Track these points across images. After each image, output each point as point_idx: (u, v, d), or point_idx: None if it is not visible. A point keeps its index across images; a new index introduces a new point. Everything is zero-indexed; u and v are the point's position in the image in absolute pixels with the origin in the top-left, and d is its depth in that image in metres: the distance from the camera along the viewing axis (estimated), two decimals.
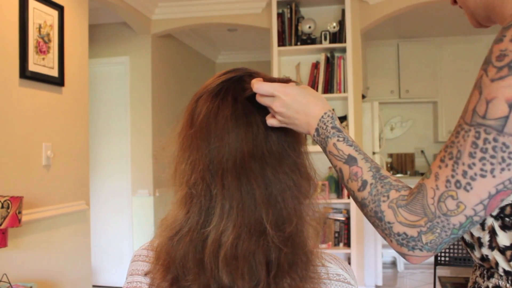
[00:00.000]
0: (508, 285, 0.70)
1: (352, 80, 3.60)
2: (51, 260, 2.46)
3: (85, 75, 2.82)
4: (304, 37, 3.72)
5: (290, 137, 0.74)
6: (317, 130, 0.72)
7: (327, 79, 3.68)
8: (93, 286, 3.76)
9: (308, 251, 0.69)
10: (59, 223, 2.53)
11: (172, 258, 0.68)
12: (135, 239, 4.19)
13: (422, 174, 5.48)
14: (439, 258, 2.96)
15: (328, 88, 3.68)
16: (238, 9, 4.01)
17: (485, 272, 0.76)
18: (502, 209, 0.67)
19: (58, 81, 2.52)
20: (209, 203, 0.68)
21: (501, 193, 0.58)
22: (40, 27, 2.39)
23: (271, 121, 0.71)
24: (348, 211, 3.70)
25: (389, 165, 5.65)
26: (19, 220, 1.87)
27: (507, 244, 0.68)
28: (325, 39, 3.69)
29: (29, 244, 2.29)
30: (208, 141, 0.69)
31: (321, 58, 3.70)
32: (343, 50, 3.66)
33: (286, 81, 0.76)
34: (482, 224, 0.70)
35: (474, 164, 0.57)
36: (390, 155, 5.73)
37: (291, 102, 0.71)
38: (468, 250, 0.77)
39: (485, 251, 0.72)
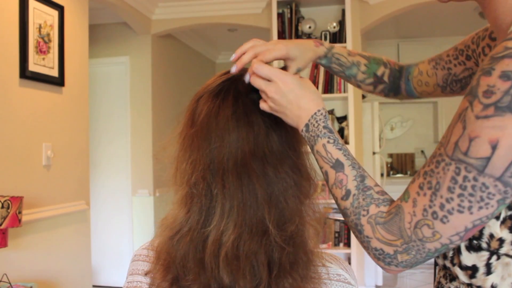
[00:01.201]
0: None
1: None
2: (51, 260, 2.46)
3: (85, 75, 2.82)
4: (304, 37, 3.72)
5: (291, 137, 0.74)
6: (307, 125, 0.70)
7: (327, 79, 3.68)
8: (93, 286, 3.76)
9: (308, 250, 0.69)
10: (59, 223, 2.53)
11: (172, 258, 0.68)
12: (135, 239, 4.19)
13: None
14: None
15: (328, 88, 3.68)
16: (238, 9, 4.01)
17: (447, 274, 0.77)
18: None
19: (58, 81, 2.52)
20: (210, 202, 0.68)
21: (478, 227, 0.58)
22: (40, 27, 2.39)
23: (262, 105, 0.71)
24: None
25: (389, 165, 5.65)
26: (19, 220, 1.87)
27: (469, 264, 0.68)
28: (325, 39, 3.69)
29: (29, 244, 2.29)
30: (209, 141, 0.69)
31: None
32: None
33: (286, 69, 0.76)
34: None
35: (452, 199, 0.57)
36: (390, 155, 5.73)
37: (287, 91, 0.70)
38: None
39: (448, 263, 0.73)
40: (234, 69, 0.76)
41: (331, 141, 0.69)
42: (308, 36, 3.73)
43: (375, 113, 4.17)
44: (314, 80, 3.72)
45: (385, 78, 1.03)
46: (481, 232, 0.67)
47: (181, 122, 0.75)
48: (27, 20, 2.29)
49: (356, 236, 0.67)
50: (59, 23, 2.53)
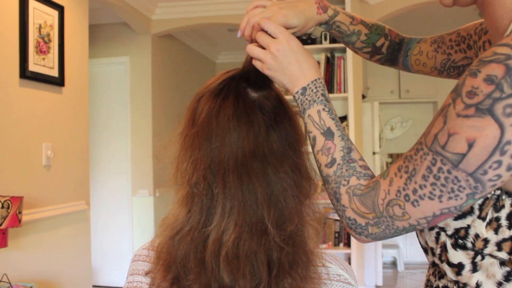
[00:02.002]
0: (455, 287, 0.72)
1: (352, 80, 3.60)
2: (51, 260, 2.46)
3: (85, 75, 2.82)
4: (304, 37, 3.72)
5: (291, 137, 0.74)
6: (304, 89, 0.72)
7: (327, 79, 3.68)
8: (93, 286, 3.76)
9: (308, 250, 0.69)
10: (59, 223, 2.53)
11: (173, 258, 0.68)
12: (135, 239, 4.19)
13: None
14: None
15: (328, 88, 3.68)
16: (238, 9, 4.01)
17: (436, 272, 0.78)
18: (457, 230, 0.68)
19: (58, 81, 2.52)
20: (211, 202, 0.68)
21: (446, 215, 0.62)
22: (40, 27, 2.39)
23: (256, 63, 0.73)
24: None
25: (389, 165, 5.65)
26: (19, 220, 1.87)
27: (455, 262, 0.69)
28: (325, 39, 3.69)
29: (29, 244, 2.29)
30: (209, 141, 0.69)
31: (321, 58, 3.70)
32: (343, 50, 3.66)
33: None
34: (437, 237, 0.72)
35: (425, 186, 0.60)
36: (390, 155, 5.73)
37: (291, 51, 0.72)
38: (423, 251, 0.80)
39: (436, 260, 0.74)
40: (239, 34, 0.81)
41: (326, 109, 0.71)
42: (308, 36, 3.73)
43: (375, 113, 4.17)
44: None
45: (383, 50, 1.04)
46: (466, 232, 0.67)
47: (182, 122, 0.75)
48: (27, 20, 2.29)
49: (333, 204, 0.70)
50: (59, 23, 2.53)
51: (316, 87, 0.72)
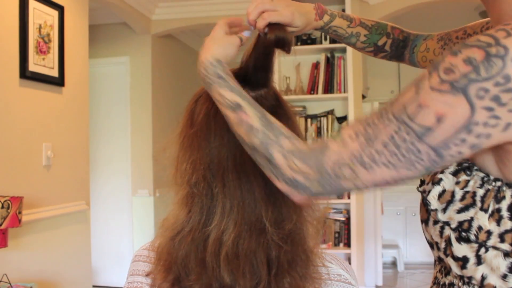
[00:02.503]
0: (460, 283, 0.73)
1: (352, 80, 3.60)
2: (51, 260, 2.46)
3: (85, 75, 2.82)
4: (304, 37, 3.72)
5: None
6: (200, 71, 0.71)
7: (327, 79, 3.68)
8: (93, 286, 3.75)
9: (307, 249, 0.69)
10: (59, 223, 2.53)
11: (173, 259, 0.67)
12: (135, 239, 4.19)
13: None
14: None
15: (328, 88, 3.68)
16: (238, 9, 4.01)
17: (443, 269, 0.78)
18: (461, 223, 0.69)
19: (58, 81, 2.52)
20: (211, 202, 0.68)
21: (392, 184, 0.62)
22: (40, 27, 2.39)
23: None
24: (348, 211, 3.69)
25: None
26: (19, 220, 1.87)
27: (460, 256, 0.69)
28: (325, 39, 3.68)
29: (29, 244, 2.29)
30: (208, 141, 0.69)
31: (321, 58, 3.70)
32: (343, 50, 3.66)
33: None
34: (441, 231, 0.72)
35: (383, 152, 0.59)
36: None
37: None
38: (429, 247, 0.79)
39: (441, 255, 0.74)
40: (246, 31, 0.79)
41: (224, 86, 0.69)
42: (308, 36, 3.73)
43: None
44: (314, 80, 3.72)
45: (387, 48, 1.05)
46: (469, 225, 0.68)
47: (181, 123, 0.75)
48: (27, 20, 2.29)
49: (265, 168, 0.66)
50: (59, 23, 2.53)
51: (212, 66, 0.70)
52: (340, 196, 3.67)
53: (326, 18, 0.95)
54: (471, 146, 0.57)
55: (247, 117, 0.66)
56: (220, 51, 0.71)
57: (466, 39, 0.94)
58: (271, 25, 0.77)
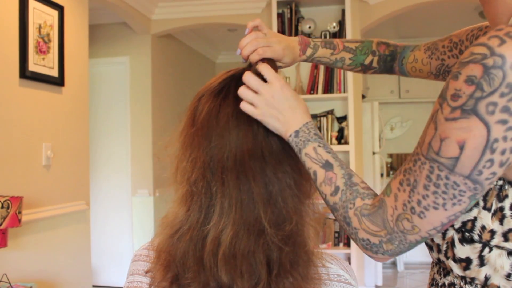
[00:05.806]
0: (462, 283, 0.73)
1: (352, 80, 3.60)
2: (51, 260, 2.46)
3: (85, 75, 2.82)
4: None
5: None
6: (297, 131, 0.73)
7: (327, 79, 3.68)
8: (93, 286, 3.76)
9: (308, 250, 0.69)
10: (59, 223, 2.53)
11: (172, 257, 0.68)
12: (135, 239, 4.19)
13: None
14: None
15: (328, 88, 3.68)
16: (238, 9, 4.01)
17: (441, 270, 0.78)
18: (464, 223, 0.69)
19: (58, 81, 2.52)
20: (209, 201, 0.68)
21: (454, 221, 0.62)
22: (40, 27, 2.39)
23: (247, 107, 0.71)
24: None
25: (389, 165, 5.66)
26: (19, 220, 1.87)
27: (463, 257, 0.70)
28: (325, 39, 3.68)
29: (29, 244, 2.29)
30: (209, 139, 0.70)
31: None
32: None
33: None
34: (444, 234, 0.73)
35: (427, 196, 0.61)
36: (390, 155, 5.73)
37: (285, 98, 0.74)
38: (427, 248, 0.80)
39: (442, 257, 0.75)
40: (238, 52, 0.83)
41: (321, 145, 0.73)
42: (308, 36, 3.73)
43: (375, 113, 4.17)
44: (314, 80, 3.72)
45: (374, 65, 1.09)
46: (473, 224, 0.68)
47: (182, 121, 0.75)
48: (27, 20, 2.29)
49: (345, 230, 0.71)
50: (59, 23, 2.53)
51: (308, 129, 0.74)
52: None
53: (308, 51, 1.00)
54: (500, 164, 0.57)
55: (335, 177, 0.71)
56: (304, 113, 0.75)
57: (452, 47, 0.96)
58: (263, 59, 0.81)
